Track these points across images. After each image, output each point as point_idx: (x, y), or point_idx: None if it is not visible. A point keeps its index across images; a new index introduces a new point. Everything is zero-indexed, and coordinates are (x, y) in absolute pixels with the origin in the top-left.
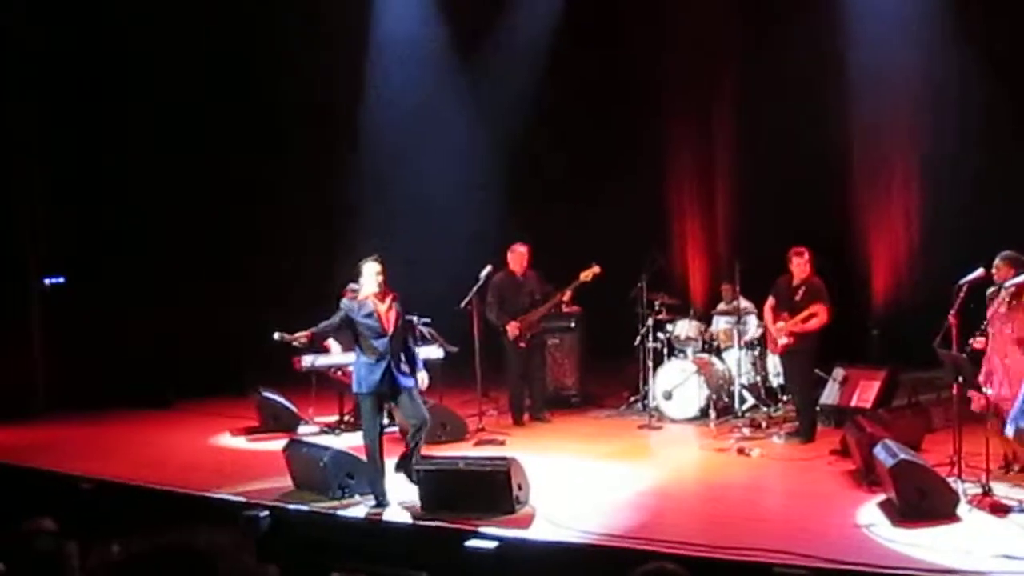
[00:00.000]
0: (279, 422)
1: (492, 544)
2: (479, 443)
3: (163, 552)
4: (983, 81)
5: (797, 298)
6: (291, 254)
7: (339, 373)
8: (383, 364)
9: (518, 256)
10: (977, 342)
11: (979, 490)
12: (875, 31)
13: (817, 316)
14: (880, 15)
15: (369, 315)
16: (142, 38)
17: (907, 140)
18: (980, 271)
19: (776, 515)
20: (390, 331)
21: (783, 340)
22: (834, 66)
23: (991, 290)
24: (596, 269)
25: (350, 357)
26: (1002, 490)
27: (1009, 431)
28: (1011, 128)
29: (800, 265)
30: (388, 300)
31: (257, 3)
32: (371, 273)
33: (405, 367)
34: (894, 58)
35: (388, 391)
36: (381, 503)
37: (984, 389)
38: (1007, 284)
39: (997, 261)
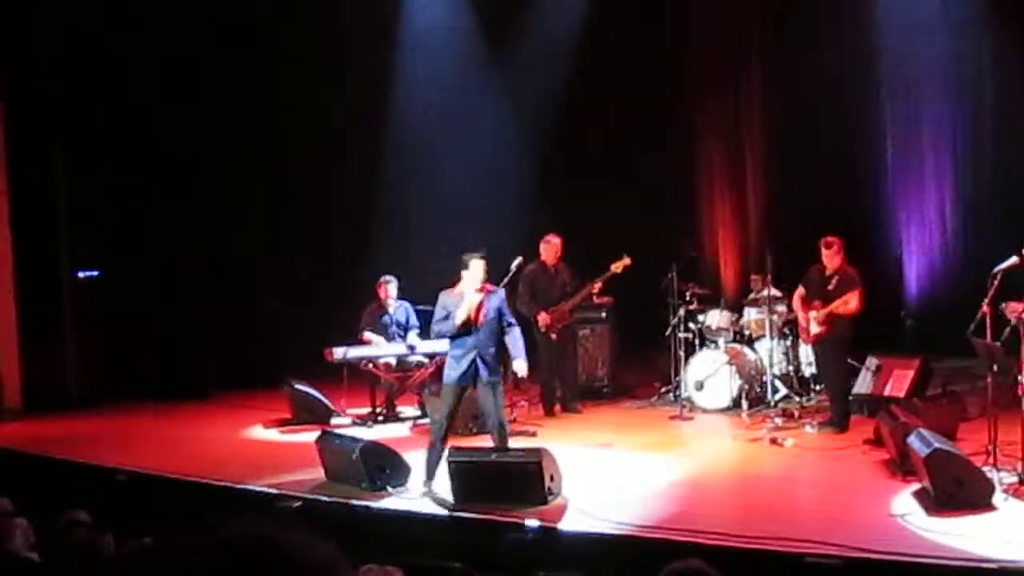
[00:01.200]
0: (312, 414)
1: (526, 536)
2: (511, 434)
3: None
4: (1019, 68)
5: (830, 287)
6: (321, 247)
7: (371, 365)
8: (470, 357)
9: (552, 247)
10: (1010, 308)
11: (1015, 479)
12: (908, 15)
13: (850, 302)
14: (917, 6)
15: (460, 308)
16: (182, 38)
17: (941, 128)
18: (1014, 259)
19: (810, 505)
20: (479, 324)
21: (816, 329)
22: (867, 53)
23: None
24: (627, 261)
25: (384, 349)
26: None
27: None
28: None
29: (830, 256)
30: (482, 294)
31: None
32: (477, 269)
33: (493, 361)
34: (928, 44)
35: (472, 382)
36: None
37: (1021, 377)
38: None
39: None
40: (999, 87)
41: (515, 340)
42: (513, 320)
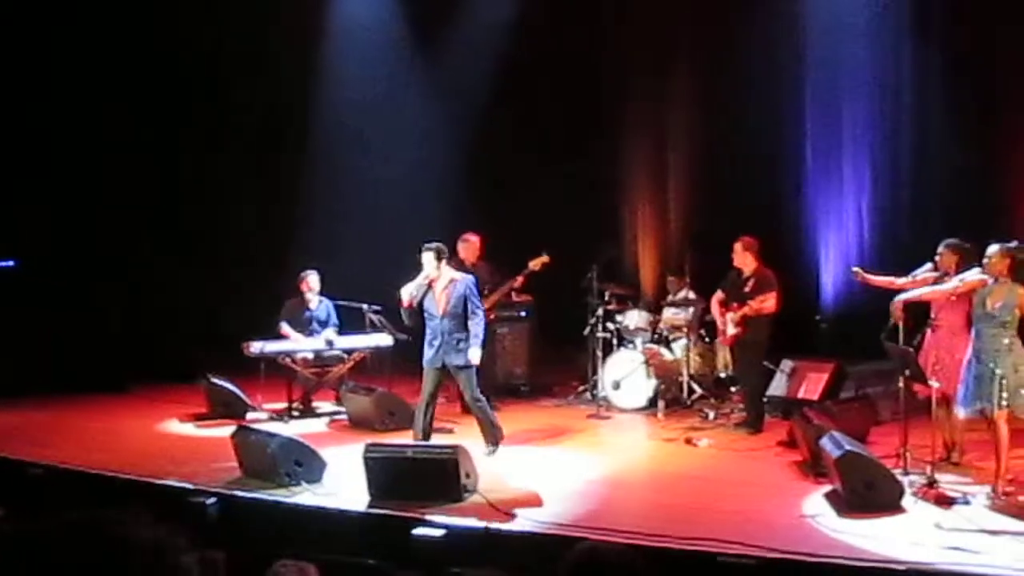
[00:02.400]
0: (228, 409)
1: (439, 532)
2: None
3: (67, 530)
4: (938, 75)
5: (747, 289)
6: (243, 241)
7: (288, 360)
8: (436, 343)
9: (470, 246)
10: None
11: (924, 481)
12: (832, 24)
13: (766, 302)
14: (838, 7)
15: (427, 297)
16: (89, 20)
17: (861, 134)
18: (928, 265)
19: (723, 505)
20: (440, 313)
21: (732, 330)
22: (791, 60)
23: (933, 279)
24: (545, 258)
25: (302, 344)
26: (947, 482)
27: (961, 412)
28: (965, 123)
29: (741, 255)
30: (446, 283)
31: None
32: (425, 260)
33: (462, 345)
34: (850, 52)
35: (443, 368)
36: None
37: (931, 381)
38: (961, 278)
39: (940, 249)
40: (919, 94)
41: (474, 327)
42: (479, 306)
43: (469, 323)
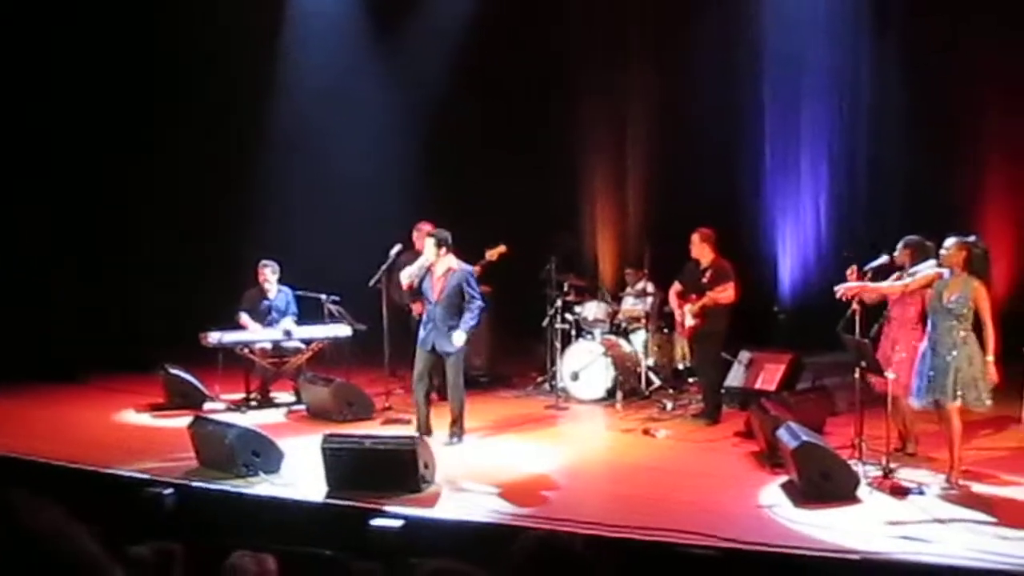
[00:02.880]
0: (185, 399)
1: (397, 523)
2: (386, 422)
3: None
4: (896, 71)
5: (705, 280)
6: (200, 229)
7: (246, 350)
8: (429, 327)
9: (423, 235)
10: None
11: (880, 472)
12: (790, 19)
13: (725, 292)
14: (796, 2)
15: (425, 281)
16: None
17: (818, 128)
18: (884, 258)
19: (680, 495)
20: (435, 299)
21: (691, 321)
22: (749, 55)
23: (895, 276)
24: (502, 248)
25: (260, 334)
26: (902, 472)
27: (914, 402)
28: (922, 117)
29: (696, 245)
30: (444, 270)
31: None
32: (425, 245)
33: (454, 334)
34: (808, 48)
35: (433, 351)
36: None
37: (887, 373)
38: (912, 270)
39: (900, 246)
40: (876, 90)
41: (468, 315)
42: (475, 295)
43: (465, 311)
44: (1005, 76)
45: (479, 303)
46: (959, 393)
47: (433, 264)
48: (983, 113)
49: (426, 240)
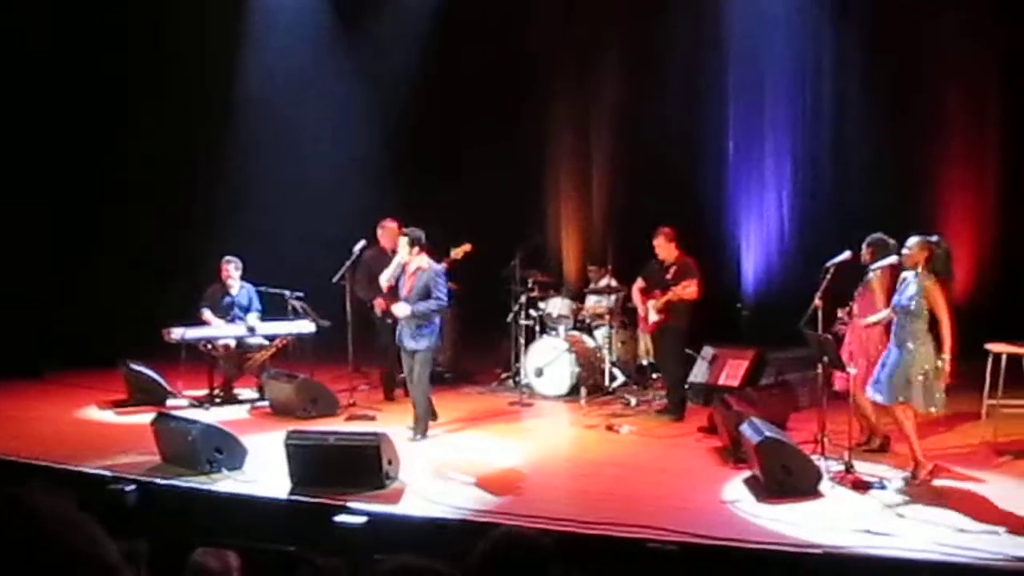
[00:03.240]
0: (148, 395)
1: (361, 519)
2: (350, 418)
3: None
4: (858, 65)
5: (669, 277)
6: (163, 224)
7: (210, 347)
8: (400, 326)
9: (388, 232)
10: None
11: (841, 467)
12: (753, 13)
13: (688, 288)
14: (762, 3)
15: (400, 279)
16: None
17: (781, 125)
18: (847, 253)
19: (644, 491)
20: (403, 297)
21: (654, 317)
22: (712, 49)
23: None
24: (467, 247)
25: (224, 331)
26: (863, 467)
27: (870, 394)
28: (885, 114)
29: (661, 245)
30: (415, 269)
31: None
32: (399, 244)
33: (423, 330)
34: (771, 41)
35: (400, 349)
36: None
37: (848, 368)
38: (873, 266)
39: (864, 244)
40: (838, 85)
41: (427, 305)
42: (440, 295)
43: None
44: (967, 72)
45: (441, 303)
46: (904, 394)
47: (407, 263)
48: (945, 109)
49: (400, 239)
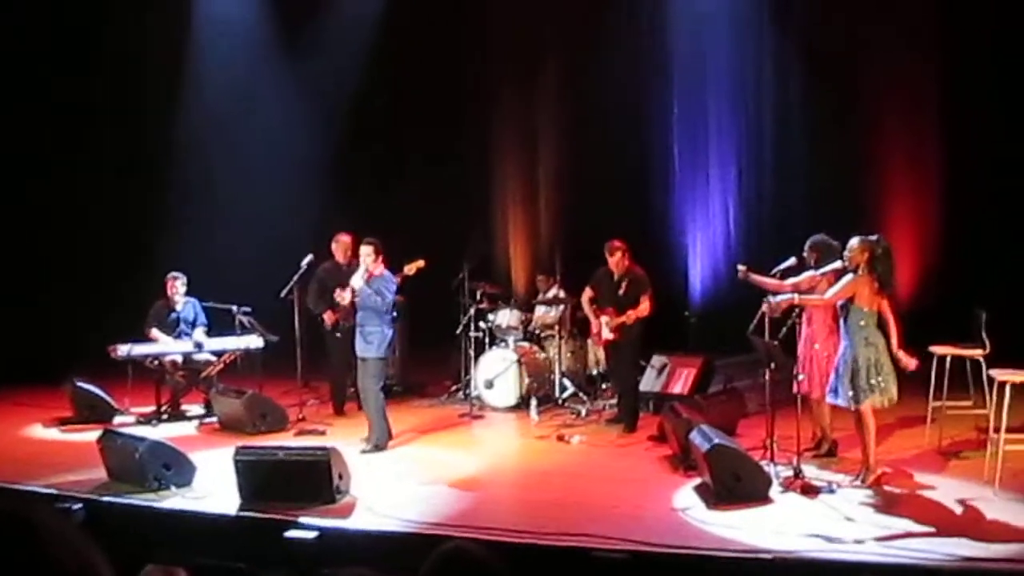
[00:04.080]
0: (94, 412)
1: (312, 534)
2: (300, 433)
3: None
4: (799, 70)
5: (621, 292)
6: (108, 240)
7: (156, 362)
8: (354, 332)
9: (341, 245)
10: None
11: (790, 472)
12: (695, 18)
13: (641, 306)
14: (704, 9)
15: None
16: None
17: (726, 131)
18: (792, 260)
19: (595, 500)
20: (356, 303)
21: (607, 335)
22: (656, 56)
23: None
24: (421, 263)
25: (171, 347)
26: (812, 472)
27: (830, 399)
28: (827, 120)
29: (617, 261)
30: (368, 278)
31: None
32: (361, 253)
33: (371, 338)
34: (713, 47)
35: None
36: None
37: (799, 374)
38: (821, 271)
39: (807, 246)
40: (779, 90)
41: (372, 296)
42: (387, 295)
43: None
44: (907, 78)
45: (383, 296)
46: (864, 391)
47: (372, 271)
48: (886, 115)
49: (364, 248)
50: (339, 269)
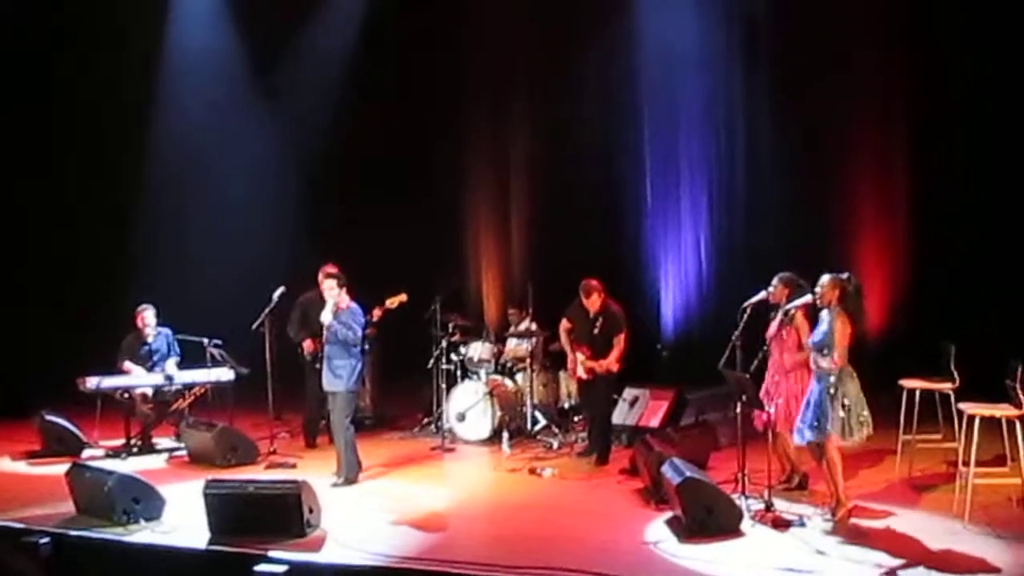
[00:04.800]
0: (62, 445)
1: (282, 568)
2: (270, 466)
3: None
4: (768, 106)
5: (596, 331)
6: (80, 274)
7: (126, 395)
8: (321, 367)
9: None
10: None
11: (762, 506)
12: (666, 55)
13: (616, 346)
14: (670, 38)
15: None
16: None
17: (697, 165)
18: (763, 293)
19: (567, 534)
20: (325, 340)
21: (582, 374)
22: (628, 92)
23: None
24: (403, 297)
25: (141, 379)
26: (783, 505)
27: (797, 440)
28: (797, 153)
29: (593, 302)
30: (336, 311)
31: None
32: (325, 285)
33: (340, 372)
34: (684, 83)
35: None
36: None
37: (767, 407)
38: (788, 307)
39: (774, 281)
40: (750, 124)
41: (344, 330)
42: (356, 333)
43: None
44: (877, 111)
45: (354, 331)
46: (829, 428)
47: (338, 304)
48: (855, 148)
49: (328, 282)
50: (323, 300)
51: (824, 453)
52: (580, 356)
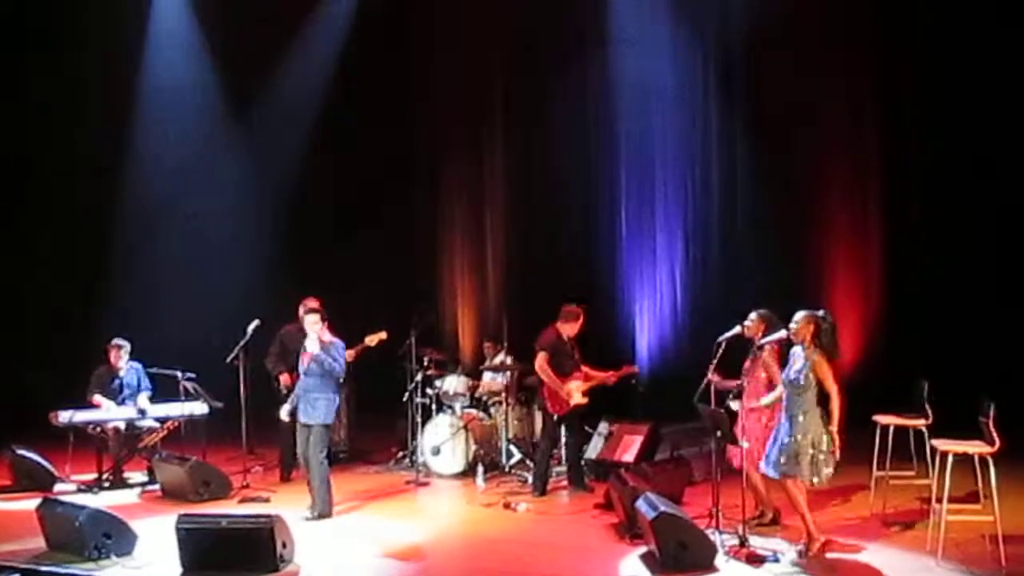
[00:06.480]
0: (33, 480)
1: None
2: (243, 501)
3: None
4: (744, 142)
5: (577, 356)
6: (52, 307)
7: (98, 429)
8: (299, 398)
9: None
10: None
11: (736, 541)
12: (641, 90)
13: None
14: (645, 72)
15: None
16: None
17: (673, 201)
18: (738, 328)
19: (541, 569)
20: (304, 370)
21: (578, 399)
22: (604, 127)
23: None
24: (383, 335)
25: (113, 413)
26: (757, 541)
27: (771, 473)
28: (771, 188)
29: (574, 327)
30: (314, 344)
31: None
32: (311, 320)
33: (317, 404)
34: (659, 117)
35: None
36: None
37: (741, 442)
38: (761, 342)
39: (752, 316)
40: (725, 160)
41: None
42: (333, 365)
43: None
44: (851, 146)
45: (339, 363)
46: (792, 468)
47: (321, 336)
48: (828, 181)
49: (311, 316)
50: (302, 332)
51: (786, 490)
52: (576, 383)
